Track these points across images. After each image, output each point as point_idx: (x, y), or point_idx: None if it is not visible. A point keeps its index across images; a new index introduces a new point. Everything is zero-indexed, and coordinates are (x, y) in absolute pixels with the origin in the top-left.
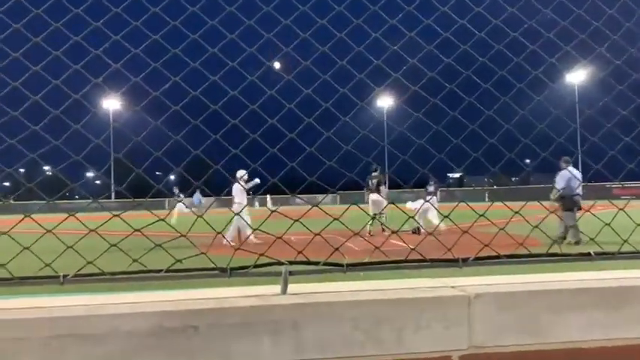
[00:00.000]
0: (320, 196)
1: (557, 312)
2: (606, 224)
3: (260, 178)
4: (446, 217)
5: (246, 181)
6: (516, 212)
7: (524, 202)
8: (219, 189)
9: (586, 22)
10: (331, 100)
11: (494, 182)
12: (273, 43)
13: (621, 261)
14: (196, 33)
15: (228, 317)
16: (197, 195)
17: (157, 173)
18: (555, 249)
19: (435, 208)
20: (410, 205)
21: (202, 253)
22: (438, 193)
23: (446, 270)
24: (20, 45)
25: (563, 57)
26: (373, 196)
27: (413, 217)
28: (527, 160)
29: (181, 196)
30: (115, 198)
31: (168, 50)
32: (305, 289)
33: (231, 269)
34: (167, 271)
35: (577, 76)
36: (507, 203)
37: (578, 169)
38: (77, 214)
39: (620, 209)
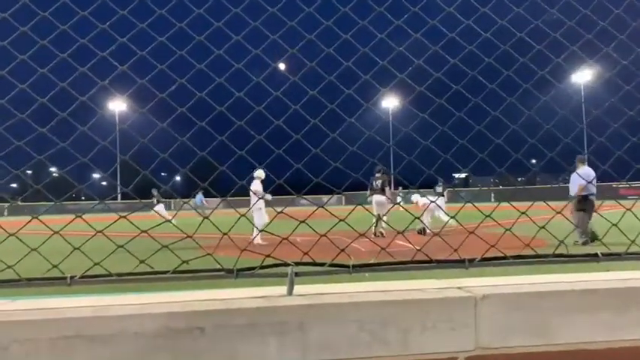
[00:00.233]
0: (325, 197)
1: (564, 313)
2: (613, 225)
3: (264, 179)
4: (452, 217)
5: (262, 181)
6: (523, 213)
7: (530, 203)
8: (226, 190)
9: (592, 22)
10: (337, 101)
11: (500, 182)
12: (278, 44)
13: (628, 262)
14: (202, 35)
15: (235, 318)
16: (199, 196)
17: (163, 174)
18: (562, 250)
19: (442, 209)
20: (416, 199)
21: (208, 254)
22: (446, 193)
23: (452, 271)
24: (27, 47)
25: (569, 57)
26: (377, 198)
27: (419, 218)
28: (533, 161)
29: (159, 198)
30: (121, 199)
31: (173, 52)
32: (311, 290)
33: (238, 270)
34: (174, 272)
35: (583, 76)
36: (514, 203)
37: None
38: (83, 216)
39: (628, 209)
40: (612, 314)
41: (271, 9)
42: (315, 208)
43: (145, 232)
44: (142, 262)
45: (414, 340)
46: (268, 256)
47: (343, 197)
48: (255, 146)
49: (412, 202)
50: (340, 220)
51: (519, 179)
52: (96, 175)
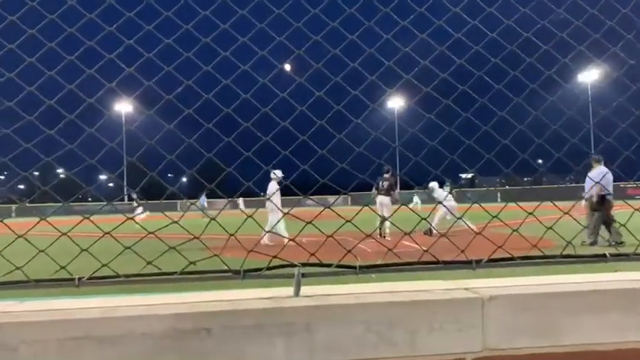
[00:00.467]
0: (331, 198)
1: (571, 314)
2: (621, 225)
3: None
4: (459, 218)
5: (279, 183)
6: (530, 213)
7: (536, 203)
8: (231, 191)
9: (599, 22)
10: (343, 102)
11: (506, 183)
12: (283, 46)
13: (637, 262)
14: (207, 37)
15: (242, 319)
16: (202, 197)
17: (169, 175)
18: (569, 250)
19: (449, 210)
20: (432, 189)
21: (215, 255)
22: (454, 193)
23: (459, 272)
24: (35, 50)
25: (575, 57)
26: (381, 199)
27: (425, 219)
28: (540, 161)
29: (138, 200)
30: (128, 200)
31: (178, 54)
32: (318, 291)
33: (245, 271)
34: (181, 273)
35: (590, 76)
36: (520, 204)
37: (590, 169)
38: (91, 217)
39: (636, 210)
40: (620, 315)
41: (277, 10)
42: (322, 208)
43: (152, 233)
44: (149, 263)
45: (421, 341)
46: (275, 257)
47: (349, 198)
48: (262, 147)
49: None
50: (347, 221)
51: (525, 179)
52: (102, 177)
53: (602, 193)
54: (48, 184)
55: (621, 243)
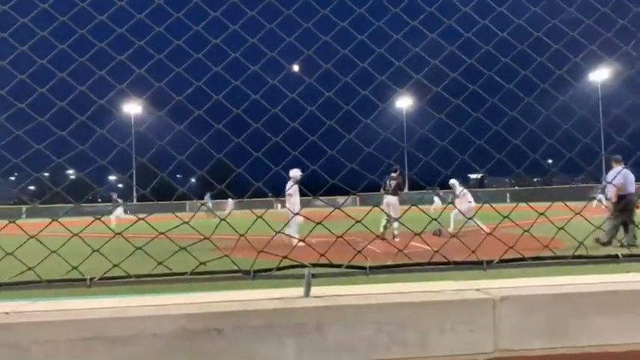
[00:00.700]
0: (340, 198)
1: (584, 315)
2: (636, 226)
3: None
4: (469, 219)
5: (298, 182)
6: (541, 214)
7: (546, 203)
8: (241, 192)
9: (610, 20)
10: (352, 102)
11: (516, 183)
12: (291, 46)
13: None
14: (216, 38)
15: (252, 319)
16: (206, 197)
17: (178, 176)
18: (581, 251)
19: (459, 211)
20: (452, 183)
21: (225, 255)
22: (471, 196)
23: (469, 272)
24: (47, 51)
25: (586, 56)
26: (390, 199)
27: (436, 220)
28: (550, 161)
29: (119, 201)
30: (137, 201)
31: (185, 56)
32: (328, 292)
33: (255, 272)
34: (191, 273)
35: (600, 75)
36: (531, 204)
37: (602, 169)
38: (96, 217)
39: None
40: (633, 316)
41: (287, 11)
42: (332, 209)
43: (163, 233)
44: (160, 263)
45: (432, 342)
46: (285, 257)
47: (358, 198)
48: (270, 148)
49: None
50: (357, 222)
51: (535, 179)
52: (112, 178)
53: (621, 193)
54: (58, 185)
55: (634, 245)
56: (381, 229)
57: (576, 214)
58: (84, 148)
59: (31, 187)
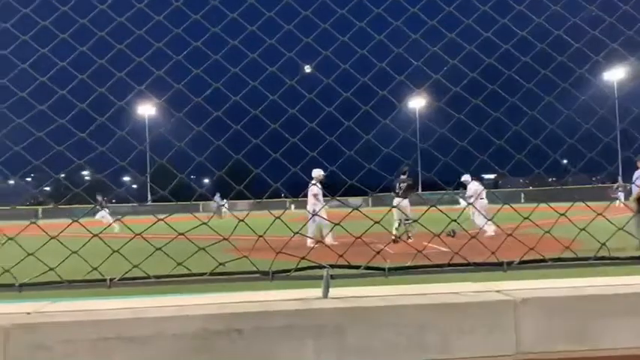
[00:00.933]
0: (352, 199)
1: (607, 317)
2: None
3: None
4: (489, 220)
5: (322, 182)
6: (562, 214)
7: (562, 203)
8: (255, 193)
9: (632, 18)
10: (370, 103)
11: (530, 183)
12: (303, 47)
13: None
14: (233, 39)
15: (272, 320)
16: (217, 198)
17: (192, 177)
18: (604, 252)
19: (477, 209)
20: (466, 180)
21: (244, 256)
22: (484, 193)
23: (486, 274)
24: (67, 53)
25: (605, 55)
26: (401, 202)
27: (455, 220)
28: (565, 161)
29: (103, 203)
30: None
31: (200, 59)
32: (347, 293)
33: (274, 272)
34: (211, 274)
35: (616, 74)
36: (549, 205)
37: (619, 169)
38: (111, 219)
39: None
40: None
41: (304, 12)
42: (350, 210)
43: (183, 234)
44: (179, 264)
45: (452, 344)
46: (303, 258)
47: (370, 199)
48: (281, 149)
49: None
50: (375, 223)
51: (550, 179)
52: (126, 179)
53: None
54: (74, 186)
55: None
56: (394, 232)
57: (598, 214)
58: (104, 150)
59: (47, 188)
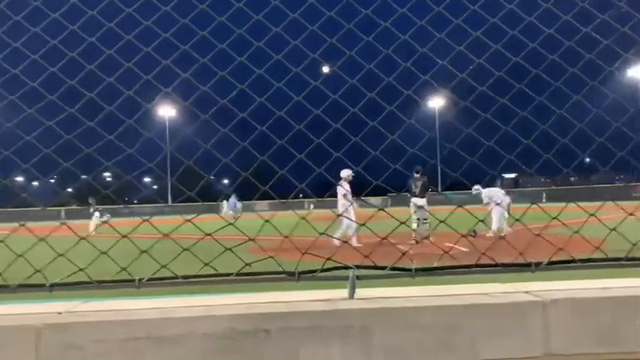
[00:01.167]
0: (372, 199)
1: (637, 319)
2: None
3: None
4: (517, 220)
5: (350, 182)
6: (592, 214)
7: (587, 203)
8: (277, 195)
9: None
10: (395, 103)
11: (551, 182)
12: (323, 46)
13: None
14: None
15: (299, 321)
16: (233, 199)
17: (212, 177)
18: (635, 252)
19: (504, 208)
20: (477, 191)
21: (270, 257)
22: (501, 195)
23: (515, 274)
24: (95, 58)
25: (638, 52)
26: (418, 201)
27: (482, 221)
28: (587, 160)
29: (96, 206)
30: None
31: (226, 59)
32: (373, 294)
33: (299, 273)
34: (237, 274)
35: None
36: (572, 204)
37: None
38: (149, 219)
39: None
40: None
41: (328, 12)
42: (376, 210)
43: (210, 234)
44: (206, 264)
45: (481, 345)
46: (329, 259)
47: (389, 199)
48: (299, 150)
49: (473, 194)
50: (402, 223)
51: (572, 179)
52: (147, 180)
53: None
54: (96, 188)
55: None
56: (413, 234)
57: (629, 214)
58: (131, 151)
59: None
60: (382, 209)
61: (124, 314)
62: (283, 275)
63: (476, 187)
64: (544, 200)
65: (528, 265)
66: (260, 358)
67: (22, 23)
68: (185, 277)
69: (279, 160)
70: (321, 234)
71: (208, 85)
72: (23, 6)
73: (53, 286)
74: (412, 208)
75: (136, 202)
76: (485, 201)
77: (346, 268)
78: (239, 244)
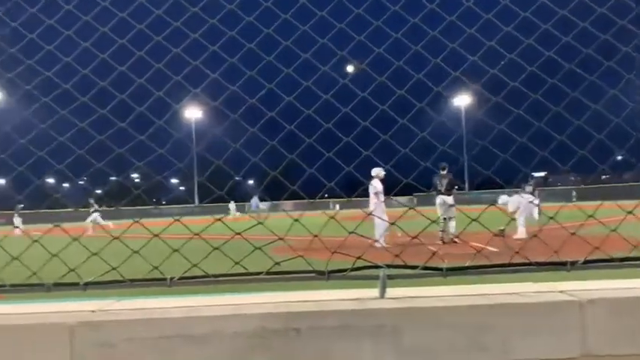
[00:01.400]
0: (399, 198)
1: None
2: None
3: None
4: (551, 218)
5: (382, 180)
6: (629, 212)
7: (621, 201)
8: (307, 195)
9: None
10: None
11: (581, 181)
12: (348, 45)
13: None
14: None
15: (329, 320)
16: (254, 200)
17: (237, 178)
18: None
19: (537, 206)
20: (504, 201)
21: (299, 256)
22: (537, 192)
23: (548, 274)
24: (125, 59)
25: None
26: (444, 199)
27: (515, 219)
28: (619, 157)
29: (95, 206)
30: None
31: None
32: (404, 293)
33: (329, 272)
34: (267, 273)
35: None
36: (595, 202)
37: None
38: (180, 219)
39: None
40: None
41: (356, 10)
42: (406, 209)
43: (239, 234)
44: (237, 263)
45: (514, 345)
46: (359, 258)
47: (415, 198)
48: (328, 146)
49: (500, 204)
50: (432, 222)
51: (604, 177)
52: (174, 181)
53: None
54: (125, 189)
55: None
56: (440, 233)
57: None
58: (163, 152)
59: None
60: (412, 208)
61: (155, 313)
62: (313, 274)
63: (501, 198)
64: (574, 199)
65: (564, 264)
66: (290, 356)
67: (56, 27)
68: (216, 275)
69: (304, 160)
70: (350, 233)
71: (237, 84)
72: (55, 10)
73: (87, 285)
74: (438, 207)
75: (164, 202)
76: (511, 209)
77: (377, 267)
78: (269, 243)
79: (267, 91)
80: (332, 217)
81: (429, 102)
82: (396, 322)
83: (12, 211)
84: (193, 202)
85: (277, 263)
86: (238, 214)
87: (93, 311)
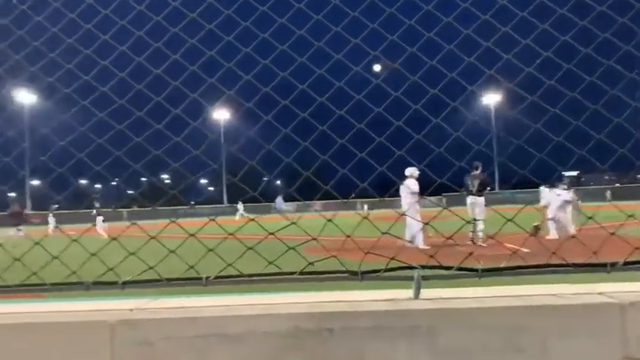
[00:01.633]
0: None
1: None
2: None
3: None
4: (590, 218)
5: (417, 179)
6: None
7: None
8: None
9: None
10: (458, 100)
11: (616, 180)
12: (376, 44)
13: None
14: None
15: (362, 320)
16: (279, 199)
17: (264, 179)
18: None
19: (577, 206)
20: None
21: (333, 256)
22: (572, 190)
23: (586, 275)
24: (159, 63)
25: None
26: (475, 199)
27: (552, 220)
28: None
29: (100, 209)
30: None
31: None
32: (438, 294)
33: (363, 272)
34: (300, 273)
35: None
36: (632, 202)
37: None
38: (215, 219)
39: None
40: None
41: (388, 9)
42: (441, 209)
43: (272, 234)
44: (270, 262)
45: (552, 347)
46: (393, 258)
47: (444, 199)
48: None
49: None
50: (467, 223)
51: (639, 176)
52: (203, 181)
53: None
54: (156, 189)
55: None
56: (470, 234)
57: None
58: (198, 153)
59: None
60: (447, 208)
61: (191, 312)
62: (346, 275)
63: (542, 188)
64: (609, 198)
65: (603, 265)
66: (323, 357)
67: (93, 31)
68: (250, 275)
69: (335, 160)
70: (383, 233)
71: (270, 85)
72: (93, 14)
73: (125, 284)
74: (469, 207)
75: (192, 202)
76: (542, 203)
77: (411, 268)
78: (302, 243)
79: (301, 92)
80: (365, 218)
81: (461, 102)
82: (430, 323)
83: (47, 212)
84: (222, 202)
85: (311, 263)
86: (245, 215)
87: (131, 310)
